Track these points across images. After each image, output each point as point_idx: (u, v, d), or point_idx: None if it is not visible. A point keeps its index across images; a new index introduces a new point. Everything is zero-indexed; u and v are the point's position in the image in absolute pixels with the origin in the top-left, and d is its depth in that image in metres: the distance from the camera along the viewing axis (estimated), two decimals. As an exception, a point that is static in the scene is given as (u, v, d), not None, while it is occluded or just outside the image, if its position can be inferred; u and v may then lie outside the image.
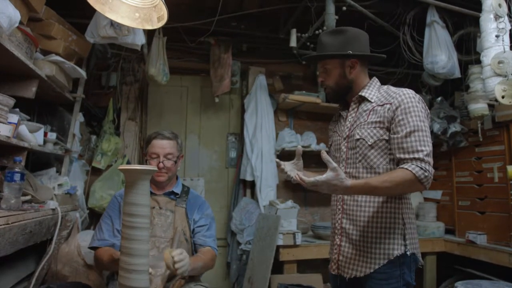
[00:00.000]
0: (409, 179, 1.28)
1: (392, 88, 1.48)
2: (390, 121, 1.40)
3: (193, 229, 1.85)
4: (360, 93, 1.51)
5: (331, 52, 1.50)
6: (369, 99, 1.48)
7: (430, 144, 1.35)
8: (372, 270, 1.39)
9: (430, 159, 1.32)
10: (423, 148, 1.32)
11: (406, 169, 1.30)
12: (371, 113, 1.45)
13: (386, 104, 1.42)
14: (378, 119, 1.42)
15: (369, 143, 1.42)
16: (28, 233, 1.68)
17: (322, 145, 3.32)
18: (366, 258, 1.41)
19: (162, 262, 1.66)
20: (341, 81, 1.52)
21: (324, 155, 1.23)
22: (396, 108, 1.38)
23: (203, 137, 3.61)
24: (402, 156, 1.34)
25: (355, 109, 1.53)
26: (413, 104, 1.37)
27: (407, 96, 1.39)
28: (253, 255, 2.89)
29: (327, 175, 1.23)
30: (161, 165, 1.79)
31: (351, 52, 1.48)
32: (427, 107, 1.44)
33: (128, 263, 1.29)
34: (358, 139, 1.45)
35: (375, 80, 1.56)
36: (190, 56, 3.43)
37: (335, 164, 1.23)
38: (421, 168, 1.28)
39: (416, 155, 1.31)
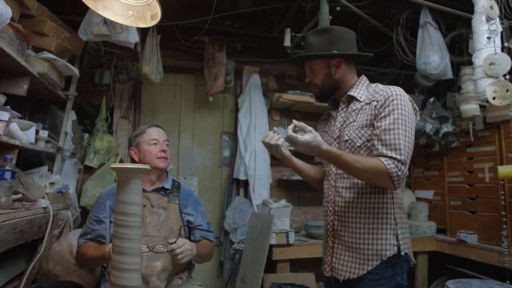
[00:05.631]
0: (380, 170, 1.27)
1: (380, 86, 1.47)
2: (375, 118, 1.38)
3: (190, 227, 1.89)
4: (348, 93, 1.51)
5: (316, 52, 1.50)
6: (358, 98, 1.48)
7: (410, 143, 1.32)
8: (365, 272, 1.38)
9: (408, 159, 1.29)
10: (402, 147, 1.28)
11: (382, 162, 1.28)
12: (360, 112, 1.45)
13: (373, 101, 1.41)
14: (365, 118, 1.41)
15: (358, 144, 1.41)
16: (19, 232, 1.67)
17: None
18: (359, 260, 1.41)
19: (157, 262, 1.66)
20: (327, 80, 1.52)
21: (297, 122, 1.36)
22: (381, 105, 1.36)
23: (197, 136, 3.60)
24: (381, 149, 1.31)
25: (345, 109, 1.53)
26: (398, 101, 1.34)
27: (394, 94, 1.36)
28: (246, 254, 2.89)
29: (308, 136, 1.33)
30: (165, 147, 1.87)
31: (335, 51, 1.47)
32: (415, 106, 1.42)
33: (120, 262, 1.29)
34: (346, 140, 1.45)
35: (364, 79, 1.56)
36: (184, 54, 3.42)
37: (311, 128, 1.34)
38: (396, 166, 1.26)
39: (394, 154, 1.27)
